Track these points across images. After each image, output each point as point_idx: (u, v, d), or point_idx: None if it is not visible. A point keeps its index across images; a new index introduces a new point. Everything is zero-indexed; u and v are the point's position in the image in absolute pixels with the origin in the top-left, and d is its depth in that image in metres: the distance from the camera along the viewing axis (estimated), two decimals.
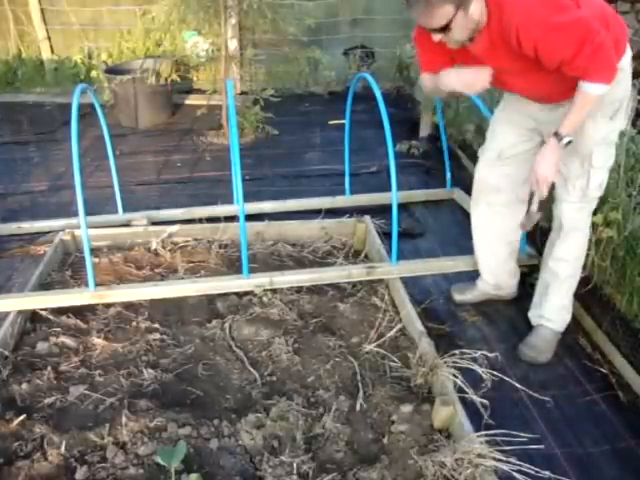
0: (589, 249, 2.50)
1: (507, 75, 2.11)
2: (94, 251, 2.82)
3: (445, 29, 1.90)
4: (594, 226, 2.45)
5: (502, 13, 1.88)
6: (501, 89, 2.36)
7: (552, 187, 2.16)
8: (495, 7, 1.89)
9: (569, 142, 2.04)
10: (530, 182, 2.16)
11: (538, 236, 2.72)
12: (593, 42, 1.83)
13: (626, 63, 2.06)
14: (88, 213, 2.51)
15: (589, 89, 1.93)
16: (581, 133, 2.11)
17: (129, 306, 2.57)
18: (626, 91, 2.12)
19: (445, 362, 2.14)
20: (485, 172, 2.45)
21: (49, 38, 5.73)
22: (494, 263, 2.59)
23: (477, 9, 1.89)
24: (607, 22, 1.95)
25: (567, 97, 2.02)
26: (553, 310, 2.39)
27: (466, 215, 3.26)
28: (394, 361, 2.28)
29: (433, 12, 1.85)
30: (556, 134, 2.04)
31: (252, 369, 2.25)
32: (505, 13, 1.87)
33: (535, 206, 2.16)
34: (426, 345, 2.23)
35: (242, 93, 5.08)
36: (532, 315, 2.48)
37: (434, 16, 1.86)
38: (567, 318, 2.42)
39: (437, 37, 1.96)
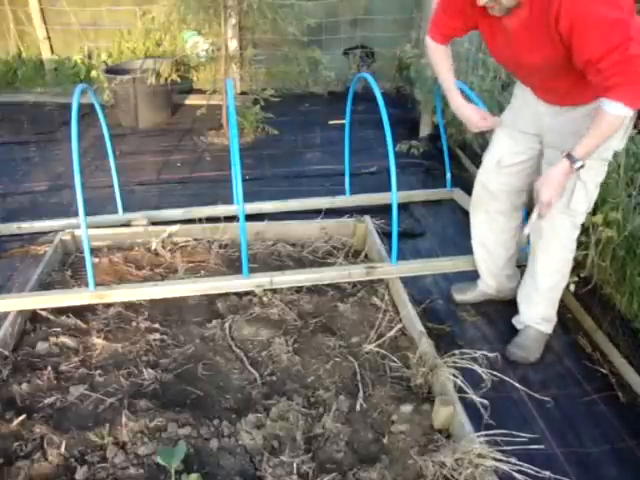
0: (588, 249, 2.50)
1: (527, 65, 2.05)
2: (94, 251, 2.82)
3: None
4: (594, 226, 2.46)
5: None
6: (514, 76, 2.32)
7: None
8: None
9: (581, 166, 1.96)
10: (534, 199, 2.08)
11: None
12: (626, 51, 1.74)
13: None
14: (88, 213, 2.51)
15: (607, 107, 1.84)
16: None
17: (129, 306, 2.57)
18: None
19: (445, 362, 2.14)
20: (484, 178, 2.47)
21: (49, 38, 5.72)
22: (494, 268, 2.61)
23: None
24: None
25: (579, 102, 2.00)
26: (539, 317, 2.41)
27: (466, 215, 3.26)
28: (394, 361, 2.28)
29: None
30: (568, 155, 1.96)
31: (252, 369, 2.25)
32: None
33: (534, 216, 2.11)
34: (426, 345, 2.23)
35: (242, 93, 5.08)
36: (516, 322, 2.49)
37: None
38: (554, 321, 2.44)
39: (483, 1, 1.87)
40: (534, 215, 2.12)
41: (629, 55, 1.75)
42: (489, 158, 2.44)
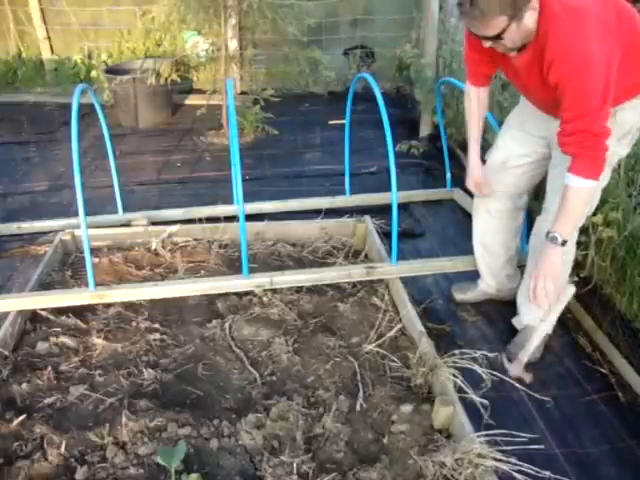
0: (588, 249, 2.50)
1: (535, 98, 2.17)
2: (94, 251, 2.82)
3: (497, 38, 1.88)
4: (594, 226, 2.46)
5: (547, 35, 1.86)
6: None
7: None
8: (545, 25, 1.86)
9: (564, 242, 2.00)
10: (529, 291, 2.08)
11: None
12: (590, 124, 1.85)
13: None
14: (88, 213, 2.51)
15: (569, 181, 1.93)
16: None
17: (129, 306, 2.57)
18: (637, 118, 2.09)
19: (445, 362, 2.14)
20: (488, 178, 2.46)
21: (49, 38, 5.72)
22: (494, 268, 2.61)
23: (531, 18, 1.86)
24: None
25: None
26: (538, 318, 2.38)
27: (466, 215, 3.27)
28: (394, 361, 2.28)
29: (487, 22, 1.82)
30: (548, 235, 2.02)
31: (252, 369, 2.25)
32: (550, 37, 1.85)
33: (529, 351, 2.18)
34: (426, 345, 2.23)
35: (242, 93, 5.08)
36: (517, 322, 2.49)
37: (488, 26, 1.84)
38: (554, 321, 2.42)
39: (487, 44, 1.95)
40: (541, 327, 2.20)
41: (591, 131, 1.85)
42: (494, 158, 2.44)
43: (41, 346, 2.33)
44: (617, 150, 2.12)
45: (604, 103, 1.85)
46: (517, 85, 2.26)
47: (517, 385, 2.20)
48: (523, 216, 2.56)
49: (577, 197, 1.95)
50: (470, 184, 2.48)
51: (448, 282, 2.81)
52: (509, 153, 2.38)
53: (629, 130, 2.10)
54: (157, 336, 2.40)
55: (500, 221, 2.51)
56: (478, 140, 2.43)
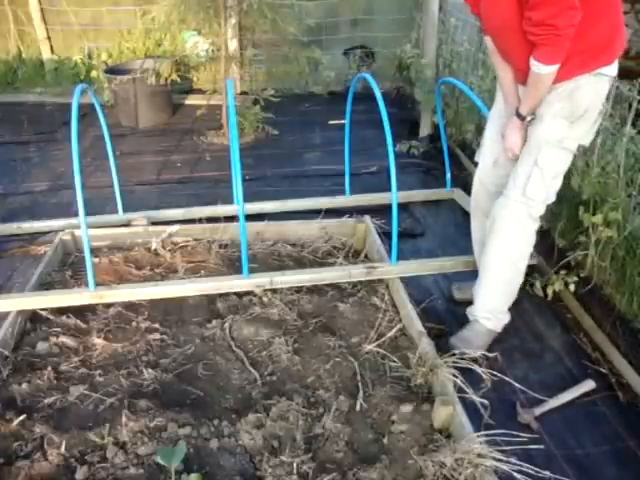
0: (588, 249, 2.50)
1: (492, 27, 2.18)
2: (94, 251, 2.82)
3: None
4: (594, 226, 2.45)
5: None
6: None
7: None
8: None
9: (531, 119, 2.17)
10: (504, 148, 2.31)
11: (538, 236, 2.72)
12: (555, 15, 1.85)
13: (607, 72, 2.04)
14: (88, 213, 2.51)
15: (532, 67, 2.01)
16: (537, 128, 2.14)
17: (129, 306, 2.57)
18: (594, 100, 2.08)
19: (445, 362, 2.14)
20: (483, 179, 2.47)
21: (49, 38, 5.72)
22: None
23: None
24: (614, 28, 1.97)
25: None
26: (487, 310, 2.37)
27: (466, 215, 3.26)
28: (394, 361, 2.28)
29: None
30: (517, 112, 2.19)
31: (252, 369, 2.25)
32: None
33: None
34: (426, 345, 2.23)
35: (242, 93, 5.08)
36: (469, 312, 2.45)
37: None
38: (504, 319, 2.40)
39: None
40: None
41: (555, 26, 1.88)
42: (484, 159, 2.44)
43: (41, 346, 2.33)
44: (574, 134, 2.11)
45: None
46: (486, 23, 2.20)
47: (517, 385, 2.20)
48: None
49: (537, 81, 2.06)
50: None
51: (448, 282, 2.81)
52: (496, 149, 2.36)
53: (583, 113, 2.08)
54: (157, 336, 2.40)
55: None
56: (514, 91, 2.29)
